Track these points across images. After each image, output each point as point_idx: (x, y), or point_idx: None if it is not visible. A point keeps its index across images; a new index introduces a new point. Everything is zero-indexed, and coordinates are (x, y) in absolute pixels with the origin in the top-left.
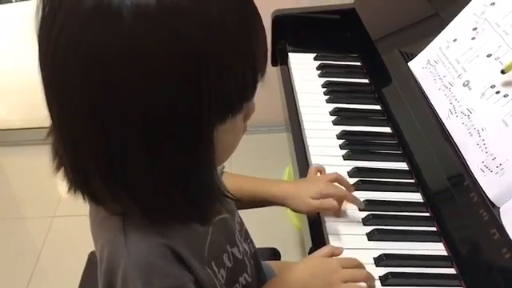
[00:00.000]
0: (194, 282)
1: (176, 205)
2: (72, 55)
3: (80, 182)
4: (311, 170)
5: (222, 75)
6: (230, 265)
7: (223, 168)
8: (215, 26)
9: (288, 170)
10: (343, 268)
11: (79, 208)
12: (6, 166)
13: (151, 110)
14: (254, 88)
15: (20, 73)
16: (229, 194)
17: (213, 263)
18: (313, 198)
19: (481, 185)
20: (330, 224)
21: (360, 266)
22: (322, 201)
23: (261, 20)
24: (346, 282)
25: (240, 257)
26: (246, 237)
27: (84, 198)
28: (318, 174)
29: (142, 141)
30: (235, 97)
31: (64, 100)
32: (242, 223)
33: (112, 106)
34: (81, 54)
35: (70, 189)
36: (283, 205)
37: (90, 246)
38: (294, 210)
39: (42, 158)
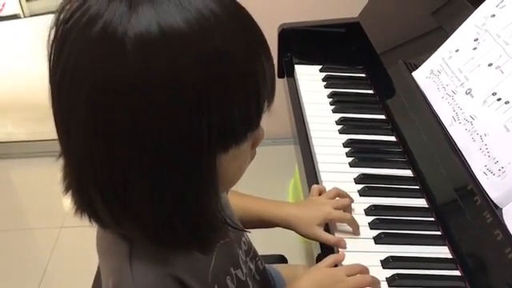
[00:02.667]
0: None
1: (177, 233)
2: (77, 82)
3: (85, 205)
4: (313, 191)
5: (223, 107)
6: (233, 287)
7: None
8: (217, 59)
9: (292, 183)
10: (348, 276)
11: (86, 219)
12: (13, 177)
13: (151, 139)
14: (259, 118)
15: (26, 87)
16: (231, 223)
17: (216, 286)
18: (319, 224)
19: (484, 188)
20: (337, 230)
21: (364, 271)
22: (329, 237)
23: (268, 51)
24: None
25: (243, 278)
26: (254, 255)
27: (90, 221)
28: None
29: (143, 168)
30: (238, 127)
31: (69, 124)
32: (249, 243)
33: (112, 133)
34: (85, 81)
35: (76, 211)
36: (290, 229)
37: (96, 256)
38: (301, 235)
39: (48, 170)
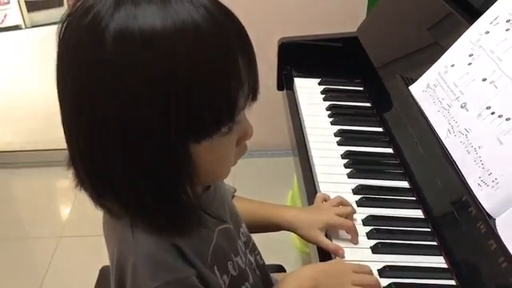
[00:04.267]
0: (199, 278)
1: (150, 212)
2: (66, 63)
3: (75, 175)
4: (318, 198)
5: (190, 103)
6: (234, 273)
7: (234, 192)
8: (188, 58)
9: (291, 194)
10: (355, 272)
11: (85, 229)
12: (12, 187)
13: (122, 123)
14: (231, 115)
15: (26, 97)
16: (210, 212)
17: (215, 268)
18: (320, 228)
19: (478, 198)
20: (337, 238)
21: (370, 273)
22: (329, 243)
23: (248, 55)
24: (356, 285)
25: (243, 266)
26: (253, 249)
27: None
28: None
29: (118, 148)
30: (207, 121)
31: (63, 100)
32: (248, 235)
33: (90, 111)
34: (72, 62)
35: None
36: (293, 231)
37: (95, 265)
38: (302, 238)
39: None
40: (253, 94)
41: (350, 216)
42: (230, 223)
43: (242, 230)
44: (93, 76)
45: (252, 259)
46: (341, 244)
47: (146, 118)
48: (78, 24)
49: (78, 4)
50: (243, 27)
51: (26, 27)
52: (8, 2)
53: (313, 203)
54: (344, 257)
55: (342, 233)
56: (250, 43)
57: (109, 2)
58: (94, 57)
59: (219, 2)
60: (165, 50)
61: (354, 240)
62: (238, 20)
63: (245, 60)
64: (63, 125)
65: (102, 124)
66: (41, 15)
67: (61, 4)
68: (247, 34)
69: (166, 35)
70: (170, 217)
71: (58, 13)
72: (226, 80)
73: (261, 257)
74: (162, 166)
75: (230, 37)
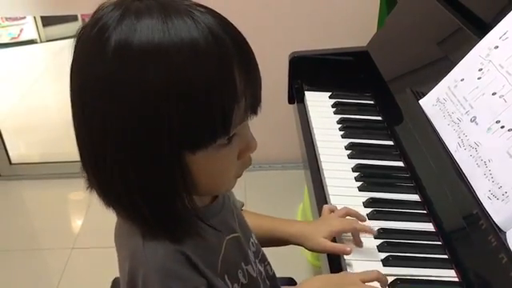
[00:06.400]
0: (208, 287)
1: (146, 218)
2: (74, 70)
3: (85, 178)
4: (325, 210)
5: (183, 115)
6: (244, 281)
7: (242, 206)
8: (183, 70)
9: (301, 207)
10: (364, 282)
11: (97, 240)
12: (25, 198)
13: (119, 132)
14: (226, 127)
15: (41, 110)
16: (208, 222)
17: (226, 277)
18: (326, 237)
19: (488, 212)
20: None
21: (381, 278)
22: (335, 245)
23: (249, 72)
24: None
25: (254, 275)
26: (263, 259)
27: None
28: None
29: (116, 156)
30: (200, 133)
31: (72, 105)
32: (258, 245)
33: (90, 119)
34: (78, 70)
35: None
36: (300, 245)
37: (107, 277)
38: (310, 250)
39: (60, 191)
40: (252, 108)
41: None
42: (240, 232)
43: (251, 240)
44: (94, 87)
45: (262, 269)
46: (351, 256)
47: (139, 129)
48: (87, 36)
49: (91, 16)
50: (245, 44)
51: (42, 41)
52: (24, 17)
53: None
54: (351, 253)
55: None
56: (251, 60)
57: (115, 15)
58: (95, 68)
59: (224, 19)
60: (160, 63)
61: (372, 231)
62: (240, 37)
63: (243, 76)
64: (75, 131)
65: (102, 135)
66: (56, 29)
67: (75, 19)
68: (249, 51)
69: (162, 49)
70: (166, 226)
71: (73, 27)
72: (219, 95)
73: (271, 267)
74: (157, 176)
75: (228, 53)
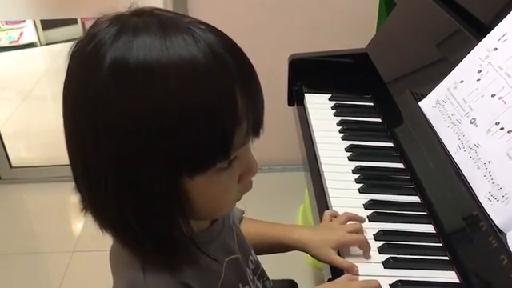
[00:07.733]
0: None
1: (143, 245)
2: (67, 86)
3: (79, 199)
4: (325, 216)
5: (180, 138)
6: None
7: (242, 214)
8: (180, 90)
9: (302, 209)
10: None
11: (98, 243)
12: (26, 202)
13: (114, 156)
14: (226, 152)
15: (40, 112)
16: (206, 252)
17: None
18: (333, 248)
19: (488, 213)
20: (348, 254)
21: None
22: (343, 261)
23: (251, 93)
24: None
25: None
26: (262, 274)
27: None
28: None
29: (109, 178)
30: (199, 157)
31: (66, 139)
32: (257, 262)
33: (82, 139)
34: (70, 85)
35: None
36: (305, 251)
37: (108, 280)
38: (315, 258)
39: (60, 195)
40: (254, 130)
41: (360, 231)
42: (239, 253)
43: (251, 257)
44: (89, 104)
45: (260, 285)
46: (352, 260)
47: (134, 153)
48: (82, 51)
49: (87, 31)
50: (248, 63)
51: (41, 45)
52: (24, 21)
53: None
54: (358, 274)
55: (353, 248)
56: (253, 80)
57: (111, 32)
58: (89, 85)
59: (225, 37)
60: (157, 83)
61: (367, 254)
62: (242, 55)
63: (245, 97)
64: (68, 152)
65: (95, 159)
66: (55, 33)
67: (75, 22)
68: (251, 71)
69: (160, 69)
70: (163, 253)
71: (73, 30)
72: (219, 117)
73: (269, 282)
74: (152, 201)
75: (230, 74)
